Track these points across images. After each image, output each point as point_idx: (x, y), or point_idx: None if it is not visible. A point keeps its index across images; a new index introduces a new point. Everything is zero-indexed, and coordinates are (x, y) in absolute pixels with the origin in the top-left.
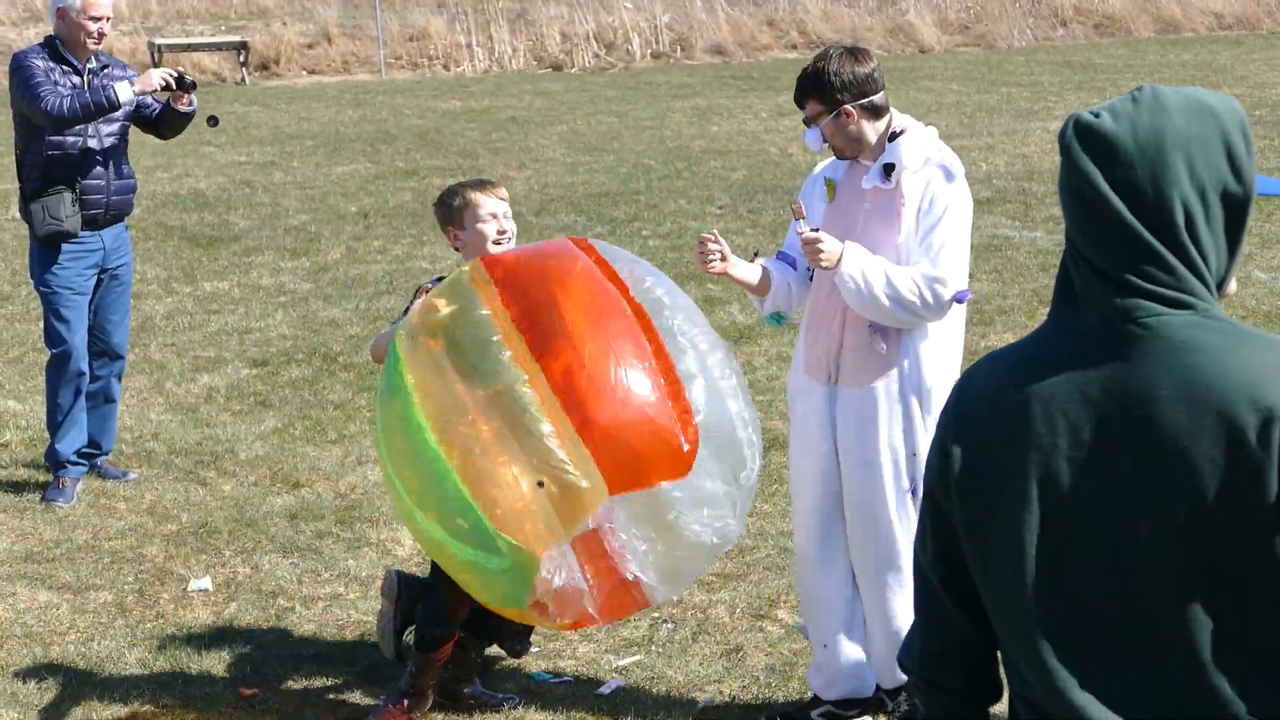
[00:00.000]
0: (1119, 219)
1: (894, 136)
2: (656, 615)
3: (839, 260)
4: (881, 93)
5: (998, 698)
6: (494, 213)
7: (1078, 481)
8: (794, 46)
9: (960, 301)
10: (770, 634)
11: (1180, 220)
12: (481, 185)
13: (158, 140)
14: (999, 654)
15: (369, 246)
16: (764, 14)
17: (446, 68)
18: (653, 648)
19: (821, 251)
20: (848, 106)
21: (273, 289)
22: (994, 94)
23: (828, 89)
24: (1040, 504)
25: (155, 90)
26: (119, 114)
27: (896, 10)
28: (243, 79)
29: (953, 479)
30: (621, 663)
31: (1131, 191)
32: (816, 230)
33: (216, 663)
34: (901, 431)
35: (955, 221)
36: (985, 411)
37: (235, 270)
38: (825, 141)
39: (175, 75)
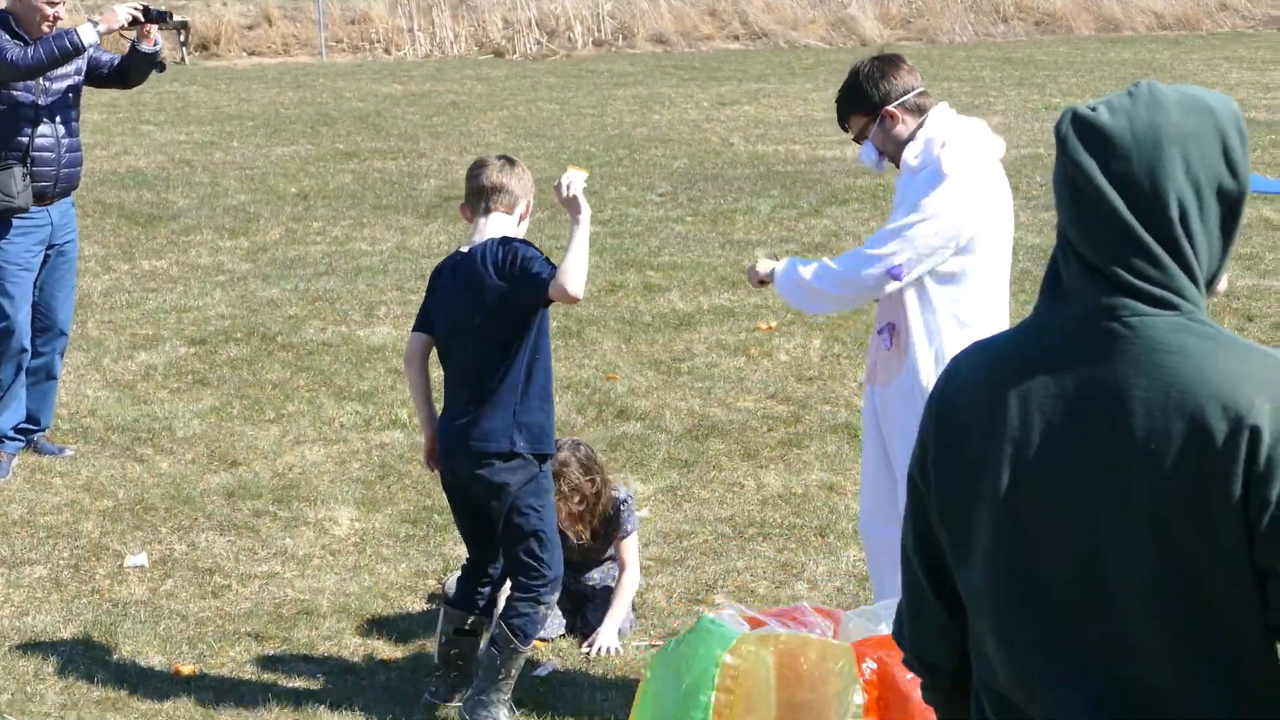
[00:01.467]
0: (1113, 212)
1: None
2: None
3: (772, 274)
4: (918, 91)
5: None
6: None
7: (1048, 477)
8: (736, 37)
9: (894, 277)
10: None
11: (1175, 215)
12: None
13: (95, 118)
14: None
15: (308, 228)
16: (706, 4)
17: (388, 51)
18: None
19: (755, 270)
20: (889, 108)
21: (211, 268)
22: (935, 87)
23: (864, 97)
24: (1011, 497)
25: (121, 27)
26: (70, 68)
27: (838, 3)
28: (182, 59)
29: (932, 470)
30: (554, 640)
31: (1127, 185)
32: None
33: (152, 639)
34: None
35: (920, 214)
36: (965, 403)
37: (174, 249)
38: (880, 154)
39: (142, 7)
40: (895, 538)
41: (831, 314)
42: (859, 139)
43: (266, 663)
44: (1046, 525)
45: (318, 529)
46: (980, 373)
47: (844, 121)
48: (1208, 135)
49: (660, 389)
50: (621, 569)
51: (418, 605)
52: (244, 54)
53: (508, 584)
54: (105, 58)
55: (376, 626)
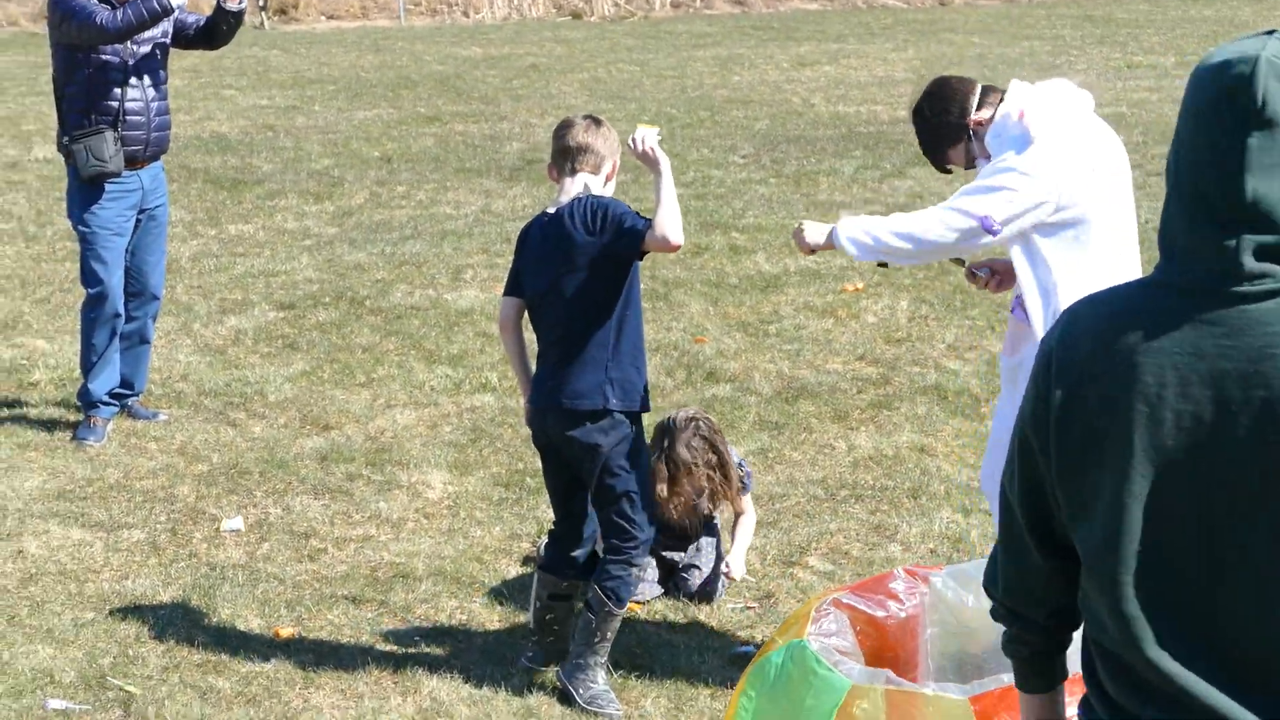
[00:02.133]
0: None
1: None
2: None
3: (829, 234)
4: (980, 90)
5: (1076, 626)
6: None
7: (1184, 436)
8: None
9: (986, 229)
10: (801, 580)
11: None
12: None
13: (177, 83)
14: (1079, 592)
15: (393, 191)
16: None
17: (466, 14)
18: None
19: (803, 237)
20: (970, 120)
21: (297, 232)
22: (1015, 47)
23: (946, 129)
24: (1142, 455)
25: None
26: (156, 31)
27: None
28: (261, 23)
29: (1051, 422)
30: (649, 602)
31: None
32: (799, 226)
33: (251, 603)
34: None
35: (1009, 171)
36: (1087, 357)
37: (260, 214)
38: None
39: None
40: None
41: (912, 265)
42: (970, 165)
43: (364, 625)
44: (1177, 487)
45: (411, 492)
46: (1105, 327)
47: (944, 162)
48: None
49: (749, 351)
50: (738, 515)
51: (512, 569)
52: (322, 18)
53: (599, 546)
54: (191, 18)
55: (472, 590)
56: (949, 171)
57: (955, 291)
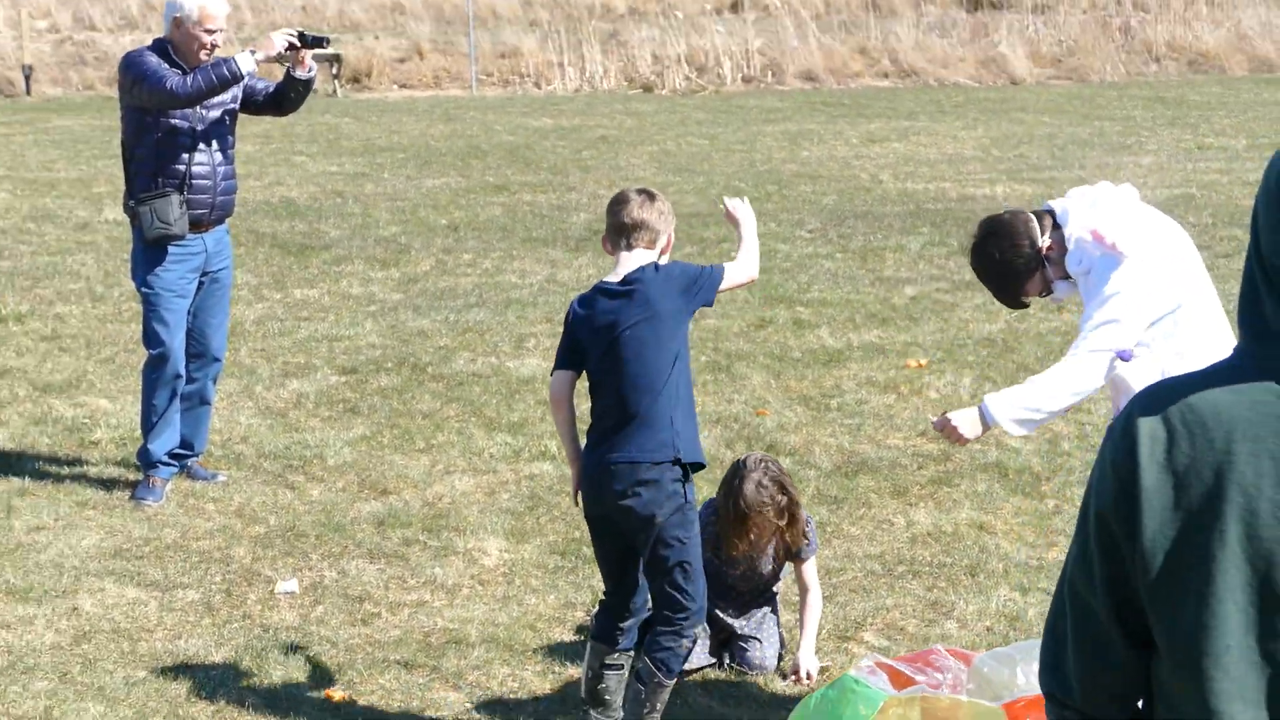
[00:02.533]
0: None
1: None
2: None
3: (984, 419)
4: (1034, 215)
5: None
6: None
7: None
8: (885, 75)
9: (1124, 358)
10: (856, 655)
11: None
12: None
13: (248, 149)
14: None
15: (459, 259)
16: (856, 41)
17: (538, 85)
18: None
19: (958, 431)
20: (1039, 245)
21: (362, 298)
22: (1086, 127)
23: (1021, 265)
24: (1236, 546)
25: (279, 53)
26: (226, 97)
27: (989, 42)
28: (334, 91)
29: (1139, 508)
30: (701, 670)
31: None
32: (943, 416)
33: (302, 665)
34: None
35: (1117, 297)
36: (1176, 442)
37: (325, 278)
38: (1067, 277)
39: (297, 33)
40: None
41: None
42: (1048, 292)
43: (415, 691)
44: (1276, 580)
45: (467, 559)
46: (1192, 411)
47: (1021, 296)
48: None
49: (809, 425)
50: (805, 592)
51: (566, 636)
52: (395, 86)
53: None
54: (260, 85)
55: (524, 658)
56: (1026, 305)
57: (1018, 370)
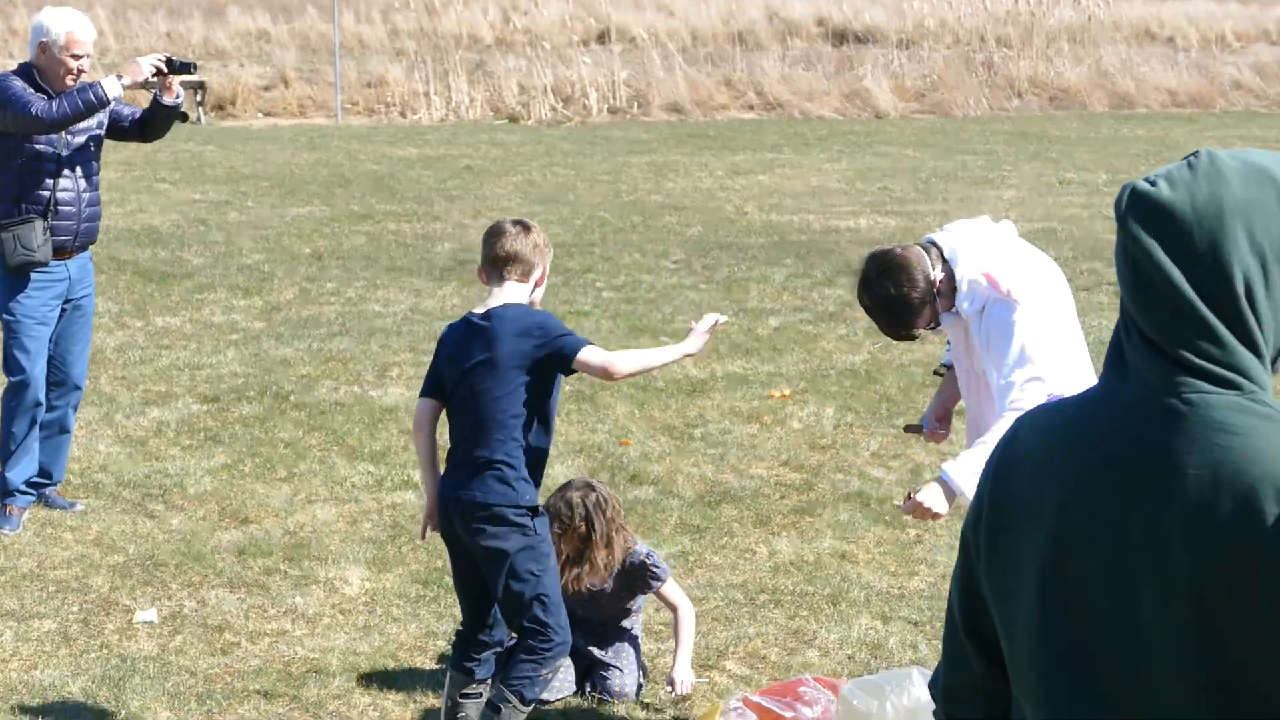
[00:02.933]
0: (1175, 290)
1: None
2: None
3: (949, 490)
4: (923, 247)
5: None
6: None
7: (1092, 552)
8: (750, 107)
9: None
10: (718, 684)
11: (1240, 290)
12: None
13: (111, 175)
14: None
15: (322, 288)
16: (722, 74)
17: (403, 115)
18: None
19: (930, 509)
20: (932, 280)
21: (225, 326)
22: (949, 161)
23: (915, 296)
24: (1053, 570)
25: (145, 79)
26: (91, 122)
27: (854, 75)
28: (198, 119)
29: (983, 528)
30: (563, 699)
31: (1190, 261)
32: (910, 499)
33: (161, 695)
34: None
35: (1021, 340)
36: (1019, 467)
37: (187, 306)
38: (952, 309)
39: (164, 59)
40: None
41: None
42: (934, 325)
43: (275, 719)
44: (1087, 599)
45: (328, 588)
46: (1037, 439)
47: (912, 330)
48: (1271, 204)
49: (673, 455)
50: (674, 610)
51: (428, 665)
52: (259, 114)
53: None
54: (126, 111)
55: (386, 686)
56: (914, 338)
57: (881, 400)
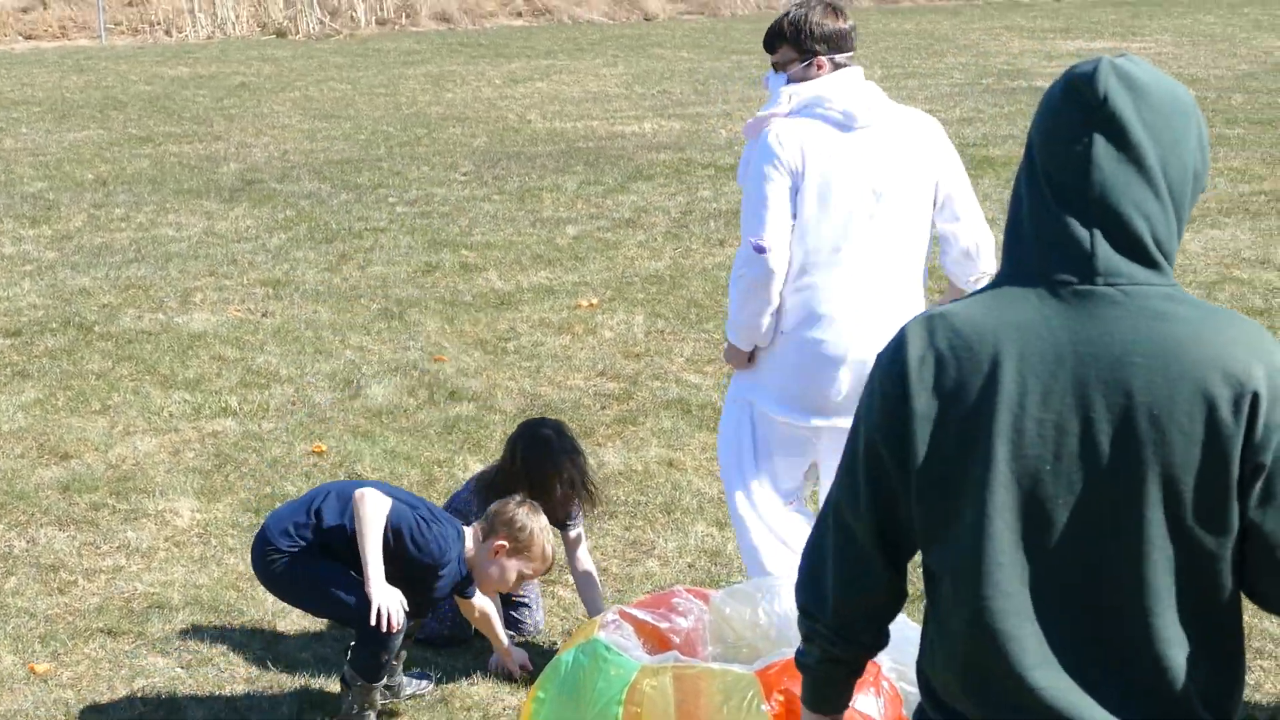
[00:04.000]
0: (1147, 169)
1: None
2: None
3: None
4: (851, 53)
5: (885, 646)
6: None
7: (1052, 446)
8: (519, 14)
9: (759, 251)
10: (564, 599)
11: (1190, 185)
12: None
13: None
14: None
15: (111, 214)
16: None
17: (169, 33)
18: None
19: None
20: (820, 58)
21: (16, 258)
22: (724, 61)
23: (806, 38)
24: (1004, 466)
25: None
26: None
27: None
28: None
29: (911, 434)
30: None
31: (1156, 144)
32: None
33: (2, 639)
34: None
35: (749, 182)
36: (946, 368)
37: None
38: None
39: None
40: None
41: (760, 321)
42: (780, 68)
43: (123, 658)
44: (1042, 491)
45: (159, 521)
46: (964, 338)
47: (772, 47)
48: (1196, 115)
49: (489, 369)
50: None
51: (269, 596)
52: (20, 38)
53: None
54: None
55: (231, 618)
56: (771, 54)
57: (689, 306)
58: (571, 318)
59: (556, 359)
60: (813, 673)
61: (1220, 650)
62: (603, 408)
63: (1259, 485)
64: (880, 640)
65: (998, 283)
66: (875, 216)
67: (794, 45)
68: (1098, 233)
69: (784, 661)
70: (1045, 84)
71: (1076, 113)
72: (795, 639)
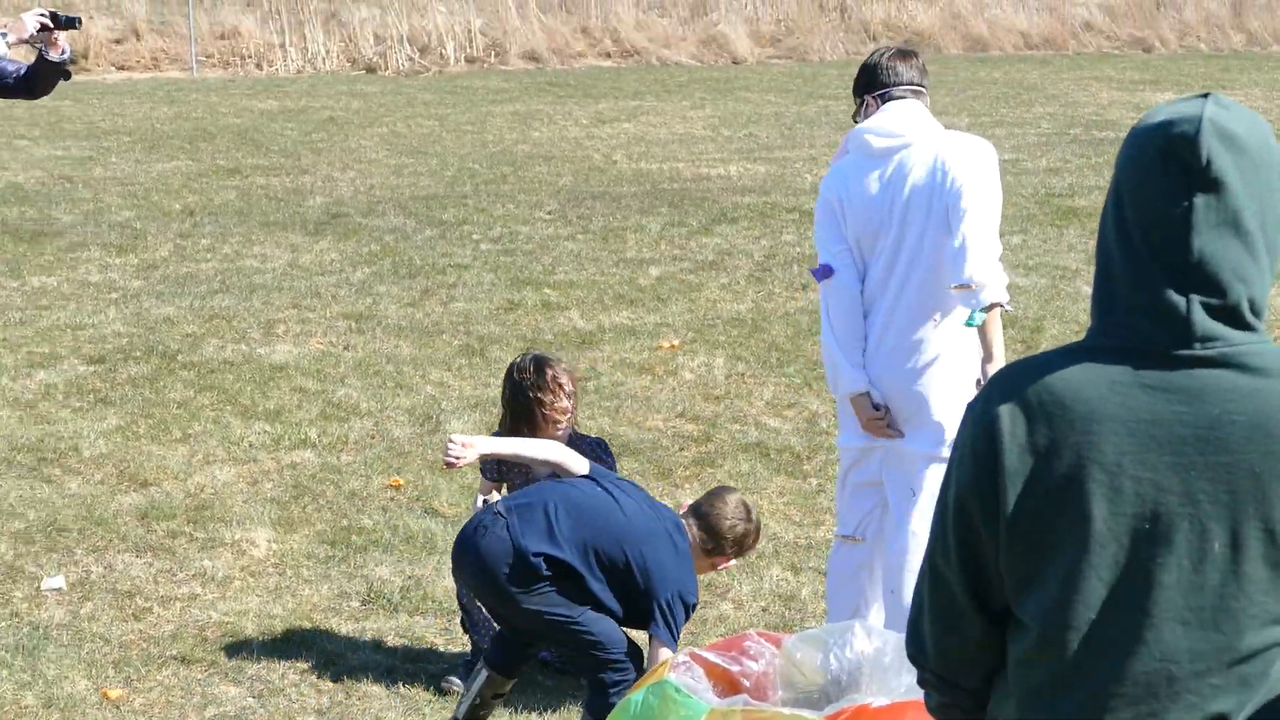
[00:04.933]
0: (1243, 230)
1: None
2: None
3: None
4: (907, 83)
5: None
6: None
7: (1145, 501)
8: (608, 54)
9: (815, 276)
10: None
11: (1279, 239)
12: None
13: None
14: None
15: (197, 244)
16: (577, 21)
17: (259, 67)
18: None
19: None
20: (867, 98)
21: (103, 285)
22: (811, 106)
23: (861, 80)
24: (1102, 525)
25: (31, 35)
26: None
27: (709, 21)
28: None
29: (1001, 492)
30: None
31: (1251, 197)
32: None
33: (77, 663)
34: None
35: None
36: (1038, 426)
37: (62, 266)
38: None
39: (49, 14)
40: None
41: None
42: (855, 119)
43: (195, 685)
44: (1150, 556)
45: (235, 550)
46: (1051, 393)
47: (859, 95)
48: None
49: None
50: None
51: (343, 627)
52: (112, 68)
53: None
54: (10, 67)
55: (303, 649)
56: (860, 100)
57: (769, 349)
58: (652, 358)
59: (636, 399)
60: (936, 716)
61: None
62: (681, 449)
63: None
64: (989, 684)
65: (1091, 344)
66: (896, 236)
67: (853, 96)
68: (1195, 298)
69: (853, 708)
70: None
71: (1177, 174)
72: (864, 685)
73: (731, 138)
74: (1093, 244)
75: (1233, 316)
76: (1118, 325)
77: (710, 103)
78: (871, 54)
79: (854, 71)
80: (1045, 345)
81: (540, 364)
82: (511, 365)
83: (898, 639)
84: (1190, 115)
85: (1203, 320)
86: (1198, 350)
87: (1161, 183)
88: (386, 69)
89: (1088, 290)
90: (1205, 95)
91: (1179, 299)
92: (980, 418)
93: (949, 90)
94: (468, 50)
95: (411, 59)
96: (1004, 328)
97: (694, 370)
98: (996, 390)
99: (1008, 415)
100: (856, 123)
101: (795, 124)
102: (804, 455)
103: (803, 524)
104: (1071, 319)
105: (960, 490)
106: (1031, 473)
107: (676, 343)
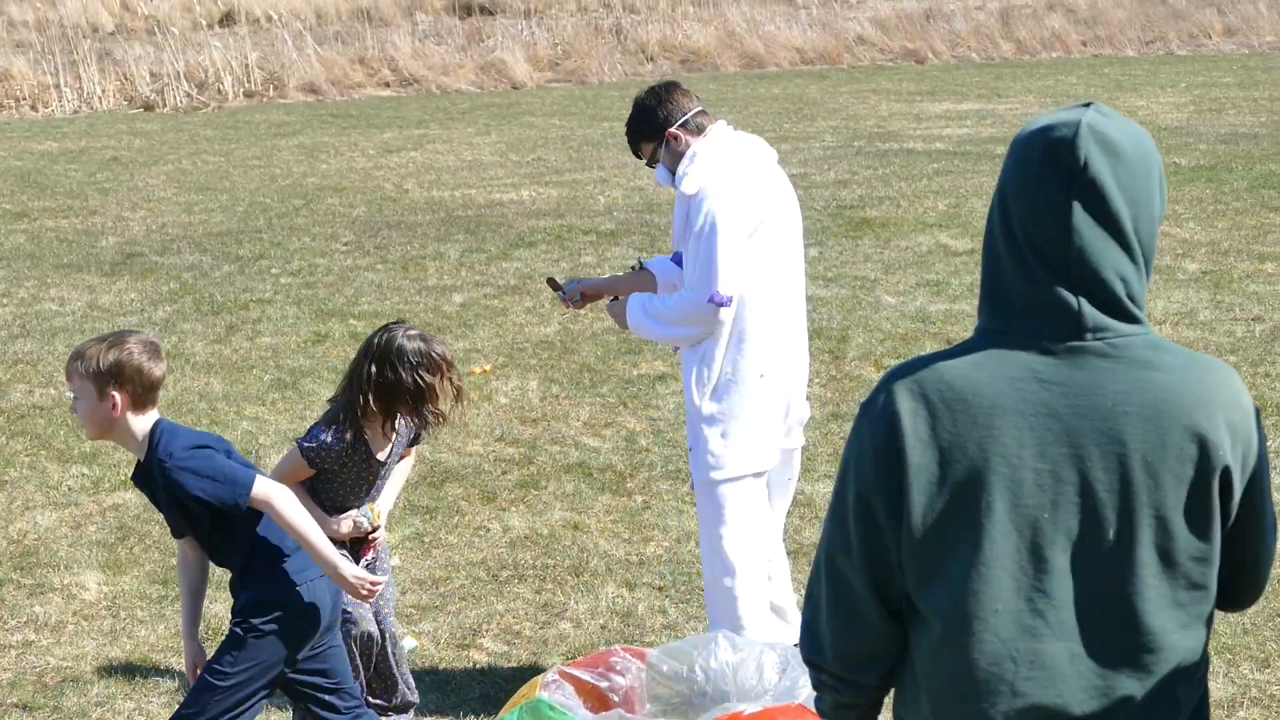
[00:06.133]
0: (1120, 230)
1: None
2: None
3: (622, 320)
4: (696, 111)
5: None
6: None
7: (1045, 491)
8: (387, 84)
9: (718, 304)
10: (479, 662)
11: (1157, 237)
12: None
13: None
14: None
15: None
16: (354, 52)
17: (34, 108)
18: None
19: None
20: (672, 130)
21: None
22: (596, 128)
23: (648, 124)
24: (1003, 515)
25: None
26: None
27: (485, 47)
28: None
29: (906, 486)
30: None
31: (1130, 201)
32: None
33: None
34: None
35: (708, 235)
36: (939, 420)
37: None
38: (672, 174)
39: None
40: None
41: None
42: (650, 163)
43: None
44: (1050, 543)
45: (65, 595)
46: (949, 392)
47: (635, 149)
48: (1158, 166)
49: None
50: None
51: (180, 665)
52: None
53: None
54: None
55: (145, 690)
56: (640, 157)
57: (581, 370)
58: (466, 385)
59: (454, 425)
60: (829, 718)
61: (1195, 676)
62: (504, 473)
63: (1233, 517)
64: (887, 681)
65: (985, 341)
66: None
67: (647, 135)
68: (1082, 296)
69: (726, 716)
70: (917, 145)
71: (1056, 178)
72: (731, 694)
73: (520, 163)
74: (888, 254)
75: (1116, 310)
76: (1011, 322)
77: (495, 128)
78: (647, 95)
79: (634, 92)
80: (852, 354)
81: (428, 340)
82: (395, 343)
83: (761, 648)
84: (1070, 121)
85: (1092, 313)
86: (1089, 341)
87: (1043, 185)
88: (165, 106)
89: (888, 299)
90: (1088, 105)
91: (1069, 296)
92: (880, 415)
93: (730, 108)
94: (245, 85)
95: (190, 95)
96: (810, 337)
97: (508, 394)
98: (893, 388)
99: (909, 412)
100: (652, 166)
101: (582, 146)
102: (626, 473)
103: (632, 541)
104: (875, 327)
105: (861, 487)
106: (935, 467)
107: (488, 367)
